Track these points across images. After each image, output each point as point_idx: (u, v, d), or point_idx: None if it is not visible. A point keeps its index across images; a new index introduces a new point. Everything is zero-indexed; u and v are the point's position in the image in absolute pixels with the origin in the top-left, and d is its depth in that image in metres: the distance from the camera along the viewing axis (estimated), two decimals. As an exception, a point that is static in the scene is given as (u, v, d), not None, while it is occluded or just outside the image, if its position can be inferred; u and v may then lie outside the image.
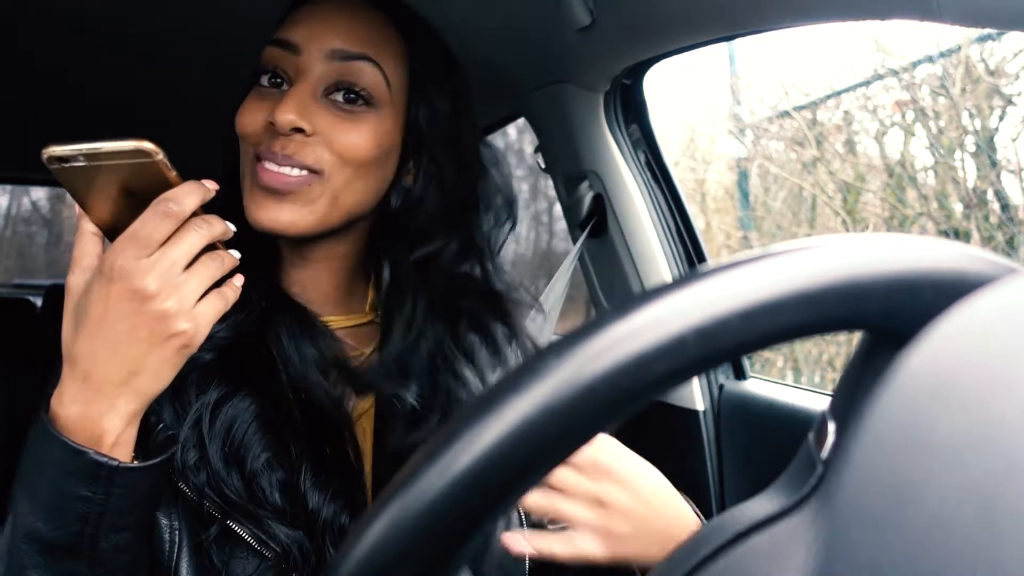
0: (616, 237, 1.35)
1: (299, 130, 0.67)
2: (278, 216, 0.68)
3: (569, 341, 0.26)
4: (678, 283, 0.26)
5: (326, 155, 0.69)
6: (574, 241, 1.42)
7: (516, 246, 5.86)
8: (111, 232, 0.59)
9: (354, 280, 0.79)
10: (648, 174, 1.33)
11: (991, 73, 2.69)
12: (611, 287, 1.43)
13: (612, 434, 1.50)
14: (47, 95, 1.57)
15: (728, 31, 1.00)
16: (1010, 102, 2.69)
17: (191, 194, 0.56)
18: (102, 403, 0.56)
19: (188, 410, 0.66)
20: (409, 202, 0.76)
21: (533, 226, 6.07)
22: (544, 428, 0.25)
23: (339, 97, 0.70)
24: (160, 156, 0.55)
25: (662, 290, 0.26)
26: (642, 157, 1.34)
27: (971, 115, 2.75)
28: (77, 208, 0.60)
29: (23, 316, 1.90)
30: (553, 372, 0.25)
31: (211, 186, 0.58)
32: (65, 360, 0.57)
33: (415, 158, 0.75)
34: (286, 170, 0.68)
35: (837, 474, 0.23)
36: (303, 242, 0.73)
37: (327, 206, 0.69)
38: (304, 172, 0.68)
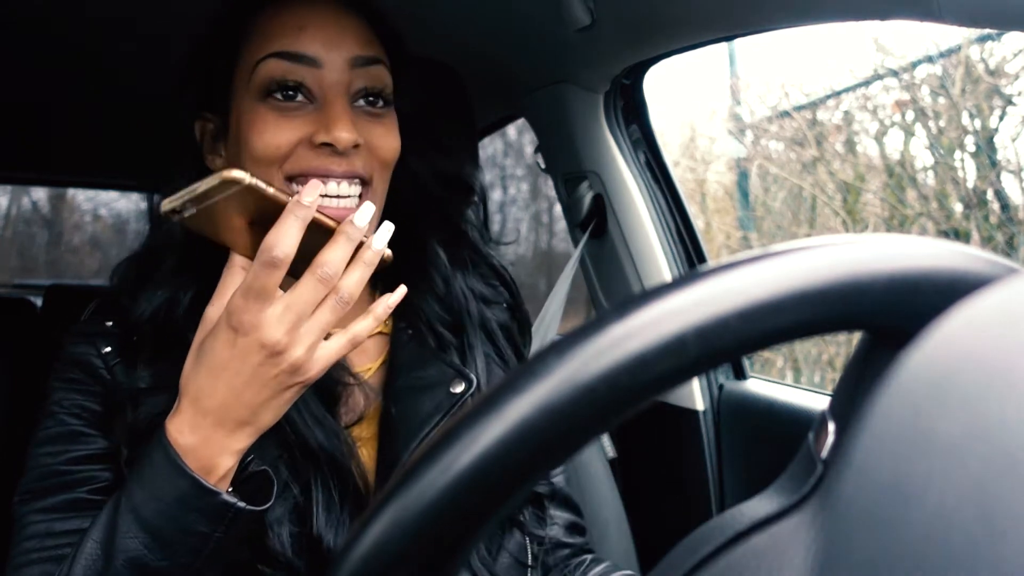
0: (616, 237, 1.35)
1: (355, 145, 0.68)
2: None
3: (569, 341, 0.26)
4: (678, 283, 0.26)
5: (372, 162, 0.69)
6: (574, 241, 1.42)
7: (516, 246, 5.85)
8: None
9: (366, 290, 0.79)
10: (648, 174, 1.33)
11: (991, 73, 2.69)
12: (611, 287, 1.43)
13: (612, 434, 1.50)
14: (47, 95, 1.57)
15: (728, 31, 1.00)
16: (1010, 102, 2.69)
17: (290, 236, 0.56)
18: (221, 440, 0.58)
19: None
20: (418, 187, 0.78)
21: (533, 226, 6.06)
22: (544, 428, 0.25)
23: (363, 103, 0.70)
24: (248, 180, 0.55)
25: (662, 290, 0.26)
26: (642, 157, 1.34)
27: (971, 115, 2.75)
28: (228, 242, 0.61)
29: (23, 316, 1.90)
30: (553, 372, 0.25)
31: (311, 199, 0.57)
32: (185, 390, 0.59)
33: (411, 145, 0.76)
34: (344, 193, 0.68)
35: (837, 474, 0.23)
36: None
37: (375, 218, 0.69)
38: (359, 189, 0.69)
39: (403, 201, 0.77)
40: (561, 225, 5.63)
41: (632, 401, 0.25)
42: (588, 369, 0.25)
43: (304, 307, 0.57)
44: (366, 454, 0.73)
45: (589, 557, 0.85)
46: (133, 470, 0.60)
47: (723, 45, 1.81)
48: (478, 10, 1.13)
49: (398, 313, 0.76)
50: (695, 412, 1.28)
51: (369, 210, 0.60)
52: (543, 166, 1.48)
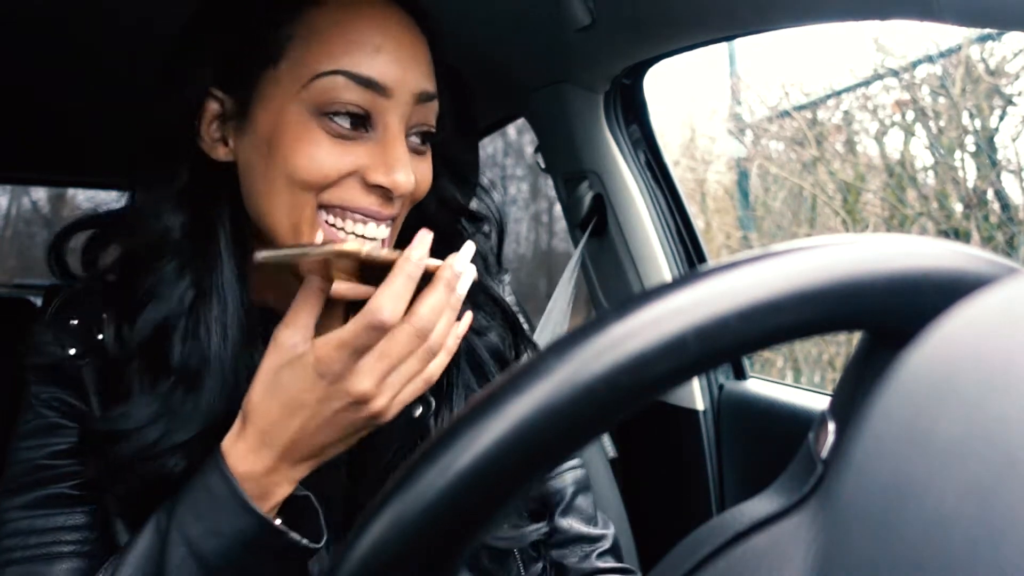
0: (616, 237, 1.35)
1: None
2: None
3: (569, 341, 0.26)
4: (678, 283, 0.26)
5: (407, 201, 0.66)
6: (574, 241, 1.42)
7: (516, 246, 5.85)
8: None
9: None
10: (648, 174, 1.33)
11: (991, 73, 2.69)
12: (611, 287, 1.43)
13: (612, 434, 1.50)
14: (47, 95, 1.57)
15: (728, 31, 1.00)
16: (1010, 102, 2.69)
17: (400, 299, 0.54)
18: (284, 471, 0.57)
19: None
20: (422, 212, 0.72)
21: (533, 226, 6.06)
22: (544, 428, 0.25)
23: (416, 140, 0.65)
24: (364, 253, 0.53)
25: (662, 290, 0.26)
26: (642, 157, 1.34)
27: (971, 115, 2.75)
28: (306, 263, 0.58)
29: (23, 316, 1.90)
30: (553, 372, 0.25)
31: (420, 254, 0.55)
32: (251, 417, 0.57)
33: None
34: (381, 236, 0.63)
35: (837, 474, 0.23)
36: None
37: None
38: (389, 230, 0.64)
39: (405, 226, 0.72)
40: (561, 225, 5.63)
41: (632, 401, 0.25)
42: (588, 369, 0.25)
43: (398, 359, 0.55)
44: (335, 482, 0.69)
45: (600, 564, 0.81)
46: (184, 494, 0.57)
47: (723, 45, 1.81)
48: (478, 10, 1.13)
49: None
50: (695, 412, 1.28)
51: (470, 251, 0.58)
52: (543, 166, 1.48)
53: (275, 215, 0.61)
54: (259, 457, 0.56)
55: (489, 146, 4.92)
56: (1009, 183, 2.71)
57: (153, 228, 0.63)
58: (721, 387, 1.29)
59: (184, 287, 0.63)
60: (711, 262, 0.32)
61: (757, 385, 1.28)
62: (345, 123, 0.61)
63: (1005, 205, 2.68)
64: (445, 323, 0.57)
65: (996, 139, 2.72)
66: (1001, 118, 2.72)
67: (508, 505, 0.26)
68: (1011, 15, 0.65)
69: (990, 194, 2.73)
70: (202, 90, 0.64)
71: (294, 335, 0.57)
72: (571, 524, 0.80)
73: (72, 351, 0.65)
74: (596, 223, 1.36)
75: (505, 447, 0.25)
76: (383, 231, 0.63)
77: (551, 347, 0.26)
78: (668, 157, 1.36)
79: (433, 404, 0.69)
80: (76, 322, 0.66)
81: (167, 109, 0.64)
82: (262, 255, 0.56)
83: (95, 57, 1.36)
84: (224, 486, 0.56)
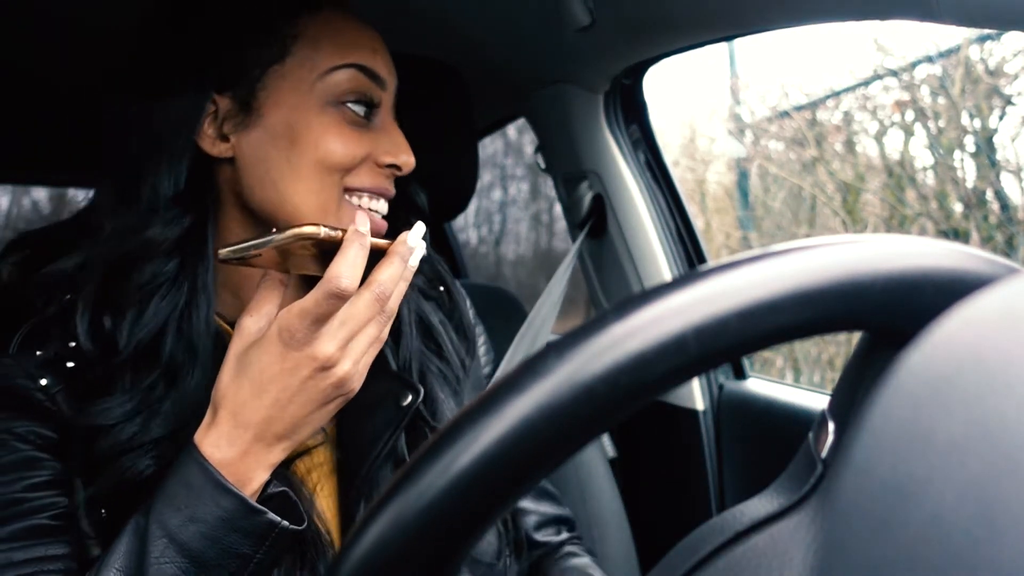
0: (616, 237, 1.35)
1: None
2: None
3: (569, 341, 0.26)
4: (678, 283, 0.26)
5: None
6: (574, 241, 1.42)
7: (516, 246, 5.85)
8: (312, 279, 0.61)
9: None
10: (648, 174, 1.33)
11: (991, 73, 2.69)
12: (611, 287, 1.43)
13: (612, 434, 1.50)
14: (46, 95, 1.57)
15: (728, 31, 1.00)
16: (1010, 102, 2.69)
17: (356, 267, 0.57)
18: (259, 454, 0.57)
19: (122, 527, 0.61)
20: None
21: (533, 226, 6.06)
22: (544, 427, 0.25)
23: (399, 121, 0.73)
24: (323, 233, 0.56)
25: (662, 290, 0.26)
26: (642, 157, 1.34)
27: (971, 115, 2.75)
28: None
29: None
30: (553, 372, 0.25)
31: (367, 228, 0.59)
32: (221, 402, 0.58)
33: None
34: (384, 210, 0.72)
35: (837, 473, 0.23)
36: None
37: None
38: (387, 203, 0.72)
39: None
40: (561, 225, 5.63)
41: (632, 401, 0.25)
42: (588, 369, 0.25)
43: (359, 323, 0.58)
44: (321, 479, 0.70)
45: (567, 550, 0.84)
46: (160, 493, 0.57)
47: (723, 45, 1.81)
48: (478, 10, 1.13)
49: None
50: (695, 412, 1.28)
51: (421, 230, 0.62)
52: (543, 166, 1.48)
53: (301, 198, 0.66)
54: (233, 441, 0.57)
55: (489, 146, 4.92)
56: (1008, 183, 2.71)
57: (152, 225, 0.64)
58: (721, 387, 1.29)
59: (185, 284, 0.64)
60: (711, 262, 0.32)
61: (757, 385, 1.28)
62: (360, 111, 0.69)
63: (1004, 205, 2.68)
64: (398, 293, 0.61)
65: (995, 139, 2.72)
66: (1000, 118, 2.72)
67: (508, 505, 0.26)
68: (1011, 15, 0.65)
69: (989, 194, 2.73)
70: (206, 94, 0.66)
71: (258, 321, 0.60)
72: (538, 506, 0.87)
73: (44, 381, 0.63)
74: (596, 223, 1.36)
75: (505, 447, 0.25)
76: (384, 205, 0.72)
77: (551, 347, 0.26)
78: (668, 157, 1.35)
79: (422, 393, 0.72)
80: (41, 353, 0.65)
81: (169, 111, 0.65)
82: (225, 251, 0.58)
83: (95, 57, 1.36)
84: (200, 474, 0.56)
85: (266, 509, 0.57)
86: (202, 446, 0.57)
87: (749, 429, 1.24)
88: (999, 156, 2.72)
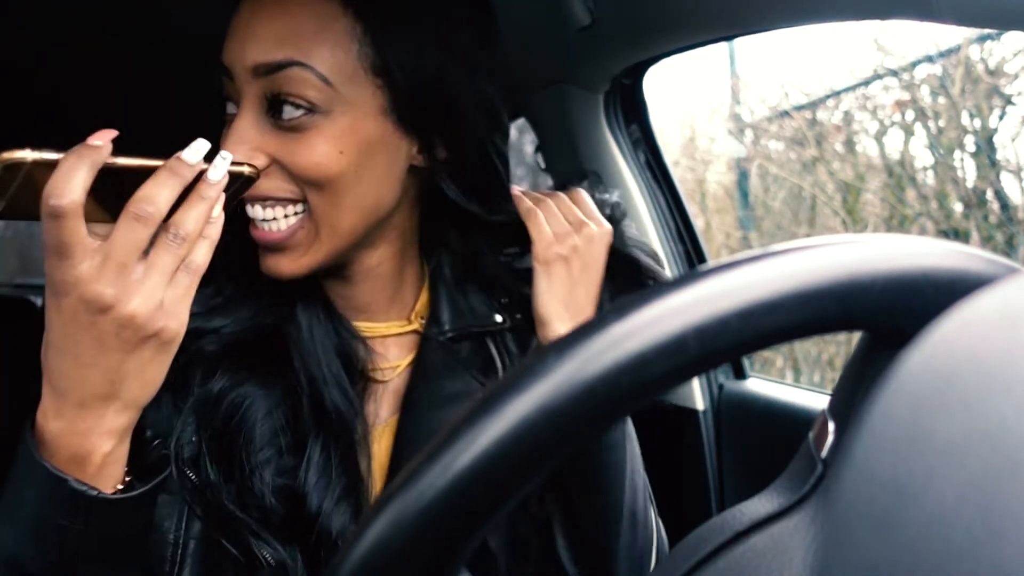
0: (616, 237, 1.35)
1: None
2: (278, 268, 0.64)
3: (569, 340, 0.26)
4: (678, 283, 0.26)
5: (293, 183, 0.62)
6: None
7: (516, 246, 5.84)
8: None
9: (397, 287, 0.73)
10: (648, 174, 1.33)
11: (991, 73, 2.69)
12: (611, 287, 1.43)
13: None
14: (46, 95, 1.57)
15: (728, 31, 1.00)
16: (1010, 102, 2.69)
17: (70, 181, 0.47)
18: (88, 419, 0.52)
19: (187, 403, 0.63)
20: (442, 182, 0.69)
21: (533, 226, 6.05)
22: (544, 428, 0.25)
23: (282, 115, 0.61)
24: (30, 157, 0.47)
25: (662, 290, 0.26)
26: (642, 157, 1.34)
27: (971, 115, 2.75)
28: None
29: (23, 316, 1.90)
30: (553, 371, 0.25)
31: (101, 143, 0.49)
32: (44, 375, 0.52)
33: (418, 131, 0.66)
34: (271, 219, 0.63)
35: (837, 473, 0.23)
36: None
37: (327, 239, 0.64)
38: (293, 218, 0.63)
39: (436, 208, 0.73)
40: (561, 225, 5.61)
41: (631, 401, 0.25)
42: (588, 369, 0.25)
43: (125, 253, 0.49)
44: (383, 445, 0.70)
45: None
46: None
47: (723, 45, 1.81)
48: (478, 10, 1.13)
49: (433, 313, 0.74)
50: (695, 412, 1.28)
51: (201, 145, 0.53)
52: (543, 166, 1.48)
53: None
54: (59, 413, 0.51)
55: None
56: (1009, 183, 2.72)
57: None
58: (721, 387, 1.29)
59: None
60: (711, 262, 0.32)
61: (757, 385, 1.28)
62: (230, 110, 0.64)
63: (1005, 205, 2.68)
64: (195, 211, 0.51)
65: (995, 139, 2.72)
66: (1001, 118, 2.72)
67: (508, 505, 0.26)
68: (1011, 15, 0.65)
69: (990, 194, 2.73)
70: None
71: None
72: None
73: None
74: (596, 223, 1.36)
75: (505, 447, 0.25)
76: (274, 212, 0.63)
77: (551, 347, 0.26)
78: (668, 157, 1.36)
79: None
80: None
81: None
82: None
83: (95, 57, 1.36)
84: (23, 445, 0.52)
85: (68, 476, 0.51)
86: (37, 421, 0.53)
87: (749, 429, 1.24)
88: (999, 156, 2.72)
